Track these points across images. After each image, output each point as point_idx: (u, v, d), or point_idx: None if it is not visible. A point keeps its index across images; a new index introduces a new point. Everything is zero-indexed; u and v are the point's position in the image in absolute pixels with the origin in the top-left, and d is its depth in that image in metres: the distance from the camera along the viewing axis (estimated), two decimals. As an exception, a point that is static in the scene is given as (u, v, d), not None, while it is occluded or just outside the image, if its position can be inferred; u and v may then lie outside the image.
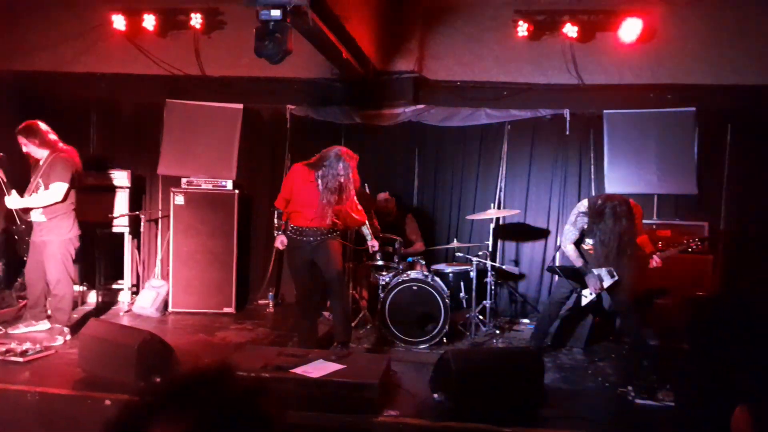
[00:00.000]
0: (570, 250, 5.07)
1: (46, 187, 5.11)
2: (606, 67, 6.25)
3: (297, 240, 4.85)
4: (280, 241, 4.91)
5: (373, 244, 5.24)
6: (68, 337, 5.19)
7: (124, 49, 6.77)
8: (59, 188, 5.11)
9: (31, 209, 5.19)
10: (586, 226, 4.98)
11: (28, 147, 5.18)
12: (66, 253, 5.24)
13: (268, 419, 1.01)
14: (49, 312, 5.42)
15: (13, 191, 5.14)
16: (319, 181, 4.67)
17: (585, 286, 5.06)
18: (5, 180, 5.25)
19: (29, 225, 5.28)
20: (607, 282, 4.95)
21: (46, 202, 5.12)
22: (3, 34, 6.81)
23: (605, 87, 6.29)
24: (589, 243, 5.04)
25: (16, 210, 5.20)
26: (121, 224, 6.59)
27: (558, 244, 6.31)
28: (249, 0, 3.90)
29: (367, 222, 5.19)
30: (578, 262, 5.03)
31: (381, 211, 6.34)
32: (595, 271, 4.98)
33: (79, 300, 6.63)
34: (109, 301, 6.77)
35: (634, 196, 5.31)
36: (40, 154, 5.19)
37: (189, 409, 0.97)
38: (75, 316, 6.07)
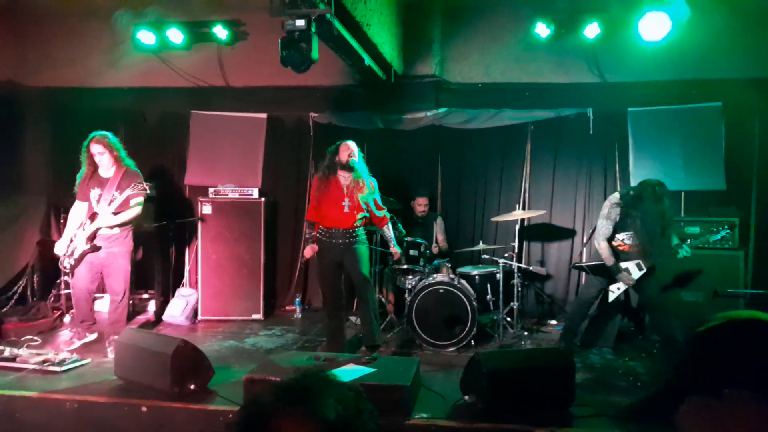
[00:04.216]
0: (603, 246, 4.98)
1: (124, 200, 5.04)
2: (629, 64, 6.17)
3: (326, 242, 4.98)
4: (310, 248, 5.01)
5: (394, 252, 5.31)
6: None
7: (149, 63, 6.86)
8: (140, 203, 5.15)
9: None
10: (619, 217, 4.93)
11: (103, 156, 5.08)
12: (130, 265, 5.27)
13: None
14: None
15: (105, 208, 5.02)
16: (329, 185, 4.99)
17: (613, 282, 5.03)
18: (99, 198, 5.10)
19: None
20: (636, 275, 4.91)
21: (133, 217, 5.12)
22: (30, 49, 6.95)
23: (628, 84, 6.23)
24: (618, 239, 5.00)
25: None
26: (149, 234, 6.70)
27: (584, 241, 6.27)
28: (275, 10, 3.96)
29: (389, 224, 5.23)
30: (610, 261, 4.97)
31: (415, 215, 6.46)
32: (623, 264, 4.94)
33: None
34: (138, 310, 6.89)
35: (661, 193, 5.26)
36: (110, 166, 5.15)
37: (315, 410, 0.99)
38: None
